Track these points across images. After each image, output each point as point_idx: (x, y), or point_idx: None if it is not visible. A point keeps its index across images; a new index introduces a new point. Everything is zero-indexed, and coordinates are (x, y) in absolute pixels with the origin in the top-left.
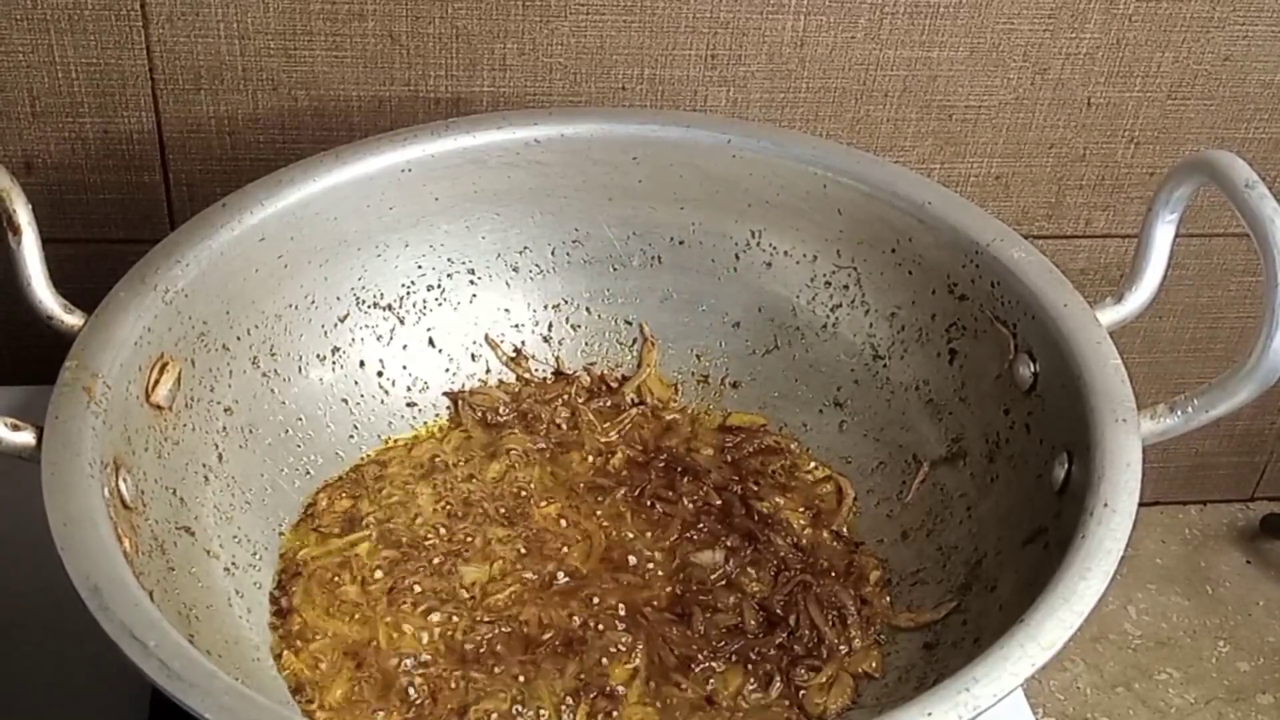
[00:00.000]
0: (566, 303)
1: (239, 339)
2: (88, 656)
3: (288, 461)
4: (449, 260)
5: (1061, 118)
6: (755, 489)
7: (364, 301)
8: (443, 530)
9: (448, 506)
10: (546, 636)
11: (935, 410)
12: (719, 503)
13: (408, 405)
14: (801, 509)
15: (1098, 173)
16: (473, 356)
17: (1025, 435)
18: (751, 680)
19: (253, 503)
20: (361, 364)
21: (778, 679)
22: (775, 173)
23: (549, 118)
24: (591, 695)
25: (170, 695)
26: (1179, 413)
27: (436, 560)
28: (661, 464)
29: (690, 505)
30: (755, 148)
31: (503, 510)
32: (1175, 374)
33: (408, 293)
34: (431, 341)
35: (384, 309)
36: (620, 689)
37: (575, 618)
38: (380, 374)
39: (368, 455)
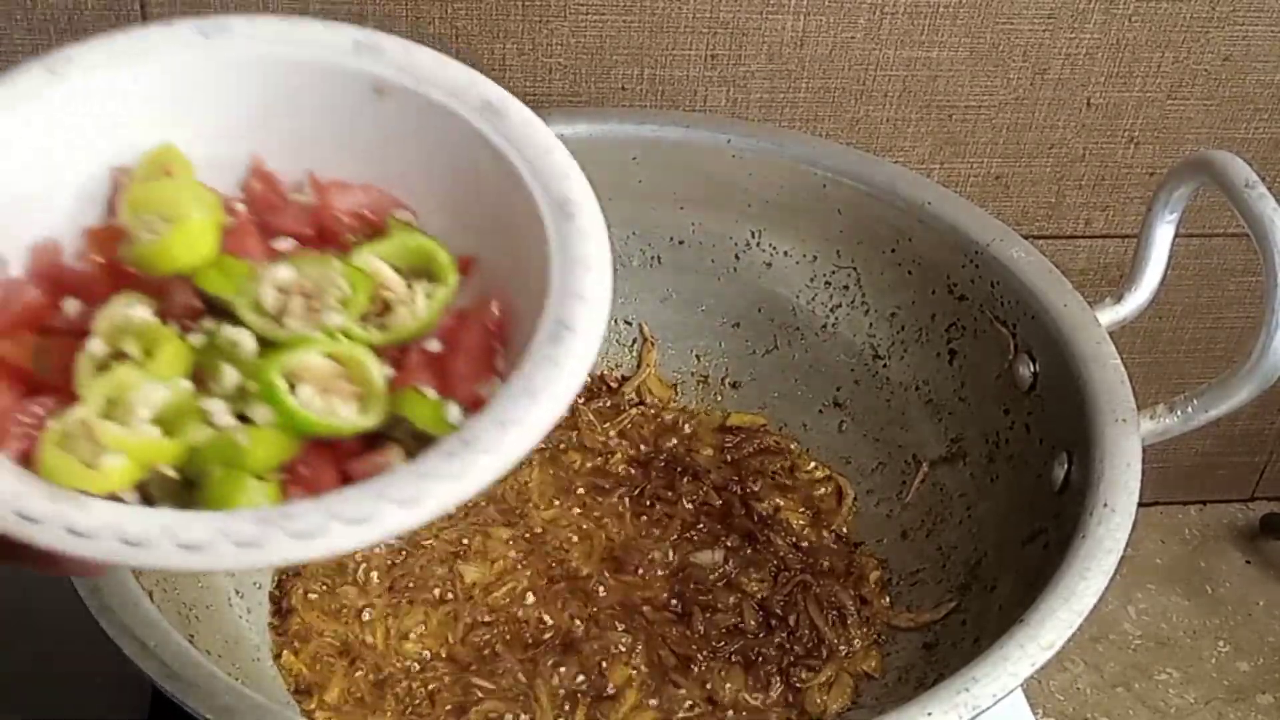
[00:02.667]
0: None
1: None
2: (87, 656)
3: None
4: None
5: (1061, 118)
6: (755, 489)
7: None
8: (442, 530)
9: None
10: (546, 637)
11: (935, 410)
12: (719, 503)
13: None
14: (801, 509)
15: (1097, 173)
16: None
17: (1025, 435)
18: (751, 680)
19: None
20: None
21: (777, 679)
22: (775, 173)
23: (548, 118)
24: (590, 696)
25: (170, 695)
26: (1179, 413)
27: (436, 560)
28: (661, 464)
29: (690, 505)
30: (755, 148)
31: (502, 510)
32: (1175, 374)
33: None
34: None
35: None
36: (620, 689)
37: (575, 618)
38: None
39: None
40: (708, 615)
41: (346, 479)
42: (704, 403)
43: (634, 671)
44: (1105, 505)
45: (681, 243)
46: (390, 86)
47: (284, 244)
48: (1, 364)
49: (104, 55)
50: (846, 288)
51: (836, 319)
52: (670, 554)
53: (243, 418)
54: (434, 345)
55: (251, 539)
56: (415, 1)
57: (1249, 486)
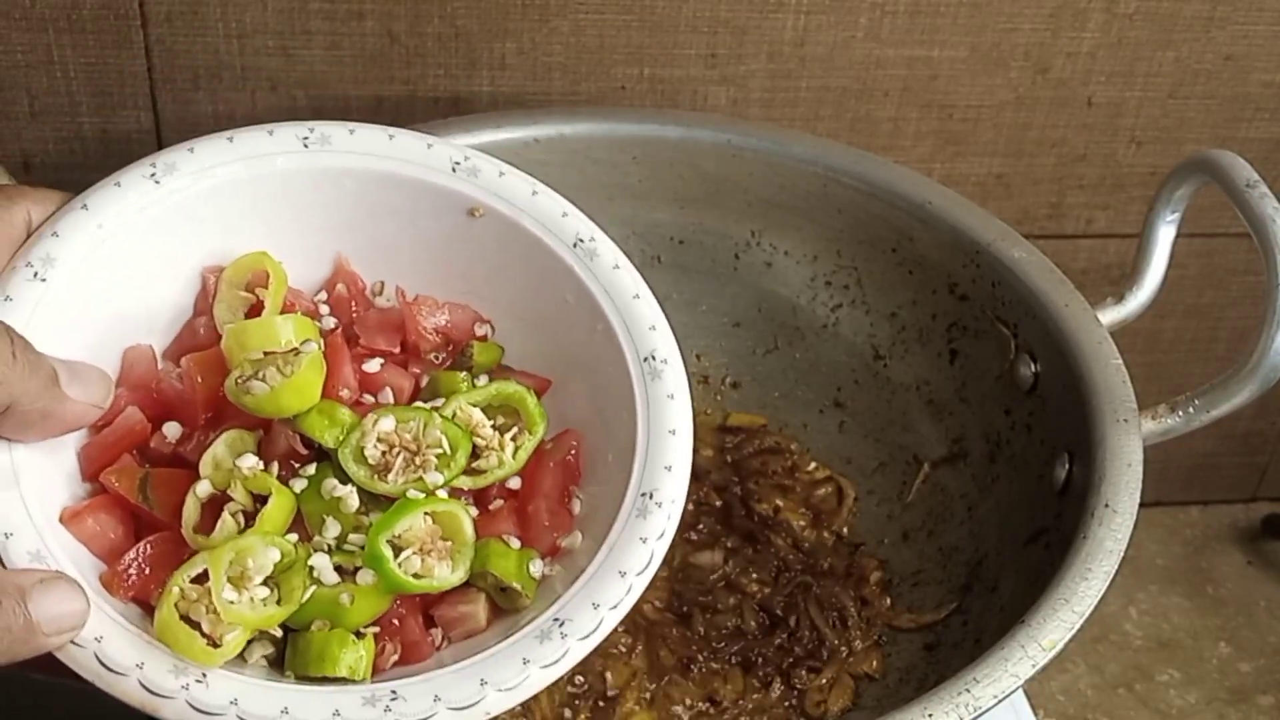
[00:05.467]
0: None
1: None
2: None
3: None
4: None
5: (1063, 117)
6: (755, 490)
7: None
8: None
9: None
10: None
11: (936, 410)
12: (719, 503)
13: None
14: (802, 510)
15: (1099, 172)
16: None
17: (1026, 435)
18: (751, 682)
19: None
20: None
21: (778, 680)
22: (775, 173)
23: (548, 117)
24: (591, 697)
25: None
26: (1180, 413)
27: None
28: None
29: (690, 506)
30: (755, 147)
31: None
32: (1176, 374)
33: None
34: None
35: None
36: (620, 690)
37: None
38: None
39: None
40: (708, 616)
41: (431, 622)
42: (704, 403)
43: (634, 672)
44: (1106, 505)
45: (681, 243)
46: (484, 210)
47: (374, 366)
48: (108, 496)
49: (207, 162)
50: (847, 287)
51: (837, 319)
52: (670, 554)
53: (338, 567)
54: (514, 482)
55: None
56: (415, 1)
57: (1250, 487)
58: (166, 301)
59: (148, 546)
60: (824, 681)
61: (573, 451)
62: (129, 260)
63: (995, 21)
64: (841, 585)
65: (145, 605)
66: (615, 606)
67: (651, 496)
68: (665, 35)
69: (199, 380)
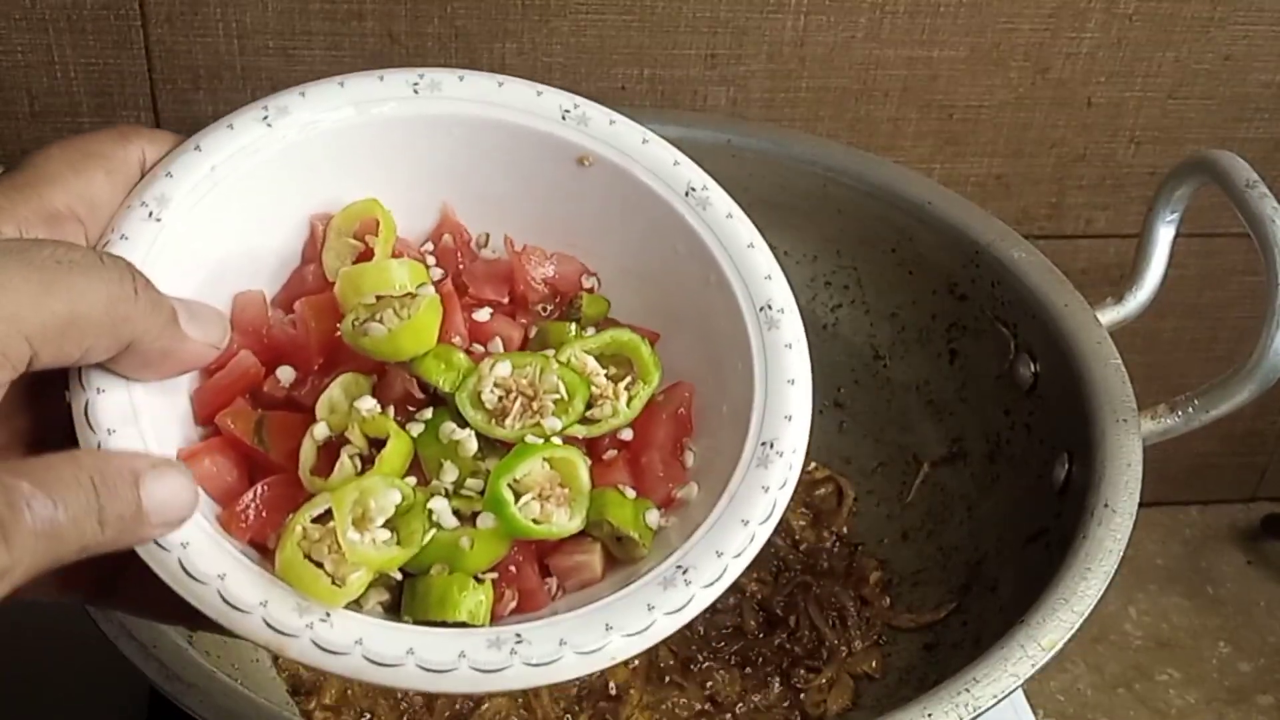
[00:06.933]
0: None
1: None
2: (87, 656)
3: None
4: None
5: (1062, 117)
6: None
7: None
8: None
9: None
10: None
11: (936, 410)
12: None
13: None
14: (802, 510)
15: (1098, 172)
16: None
17: (1026, 435)
18: (751, 681)
19: None
20: None
21: (777, 680)
22: (775, 173)
23: None
24: (595, 700)
25: (169, 696)
26: (1179, 413)
27: None
28: None
29: None
30: (755, 148)
31: None
32: (1176, 374)
33: None
34: None
35: None
36: (620, 690)
37: None
38: None
39: None
40: (708, 616)
41: (546, 571)
42: None
43: (634, 673)
44: (1106, 505)
45: None
46: (594, 158)
47: (483, 315)
48: (223, 438)
49: (319, 106)
50: (847, 288)
51: (837, 319)
52: None
53: (455, 511)
54: (626, 433)
55: (491, 665)
56: (414, 1)
57: (1250, 487)
58: (274, 247)
59: (264, 488)
60: (823, 681)
61: (685, 404)
62: (240, 203)
63: (995, 21)
64: (841, 585)
65: (261, 548)
66: (739, 555)
67: (772, 446)
68: (665, 35)
69: (312, 324)
